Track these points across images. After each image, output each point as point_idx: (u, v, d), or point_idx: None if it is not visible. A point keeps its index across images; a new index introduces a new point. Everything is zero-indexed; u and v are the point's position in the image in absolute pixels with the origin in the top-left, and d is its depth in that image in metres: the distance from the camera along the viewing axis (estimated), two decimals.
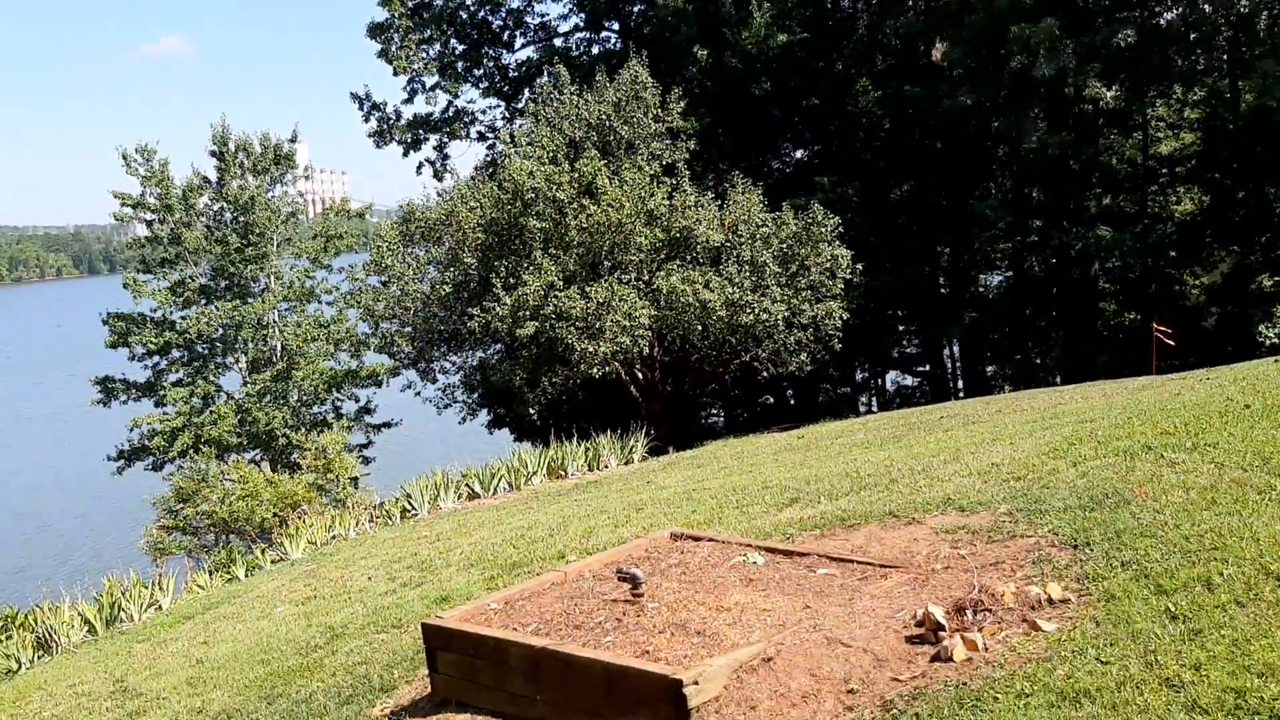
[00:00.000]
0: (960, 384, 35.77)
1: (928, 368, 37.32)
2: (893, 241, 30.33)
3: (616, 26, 36.38)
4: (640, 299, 22.81)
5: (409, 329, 25.60)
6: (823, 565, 6.84)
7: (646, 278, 23.83)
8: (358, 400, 34.08)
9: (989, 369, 34.52)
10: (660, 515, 10.76)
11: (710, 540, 7.59)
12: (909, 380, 39.44)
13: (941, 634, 5.44)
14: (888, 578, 6.45)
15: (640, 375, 25.69)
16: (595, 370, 22.65)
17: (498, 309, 22.33)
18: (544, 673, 5.90)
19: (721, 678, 5.36)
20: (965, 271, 33.46)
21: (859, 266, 24.67)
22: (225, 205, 32.25)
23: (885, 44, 31.75)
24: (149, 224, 32.22)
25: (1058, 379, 28.57)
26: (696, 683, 5.25)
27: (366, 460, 31.11)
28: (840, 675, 5.29)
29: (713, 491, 11.62)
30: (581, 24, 36.98)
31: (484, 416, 32.45)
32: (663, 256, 24.43)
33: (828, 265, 24.27)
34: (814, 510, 8.91)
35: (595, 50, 35.96)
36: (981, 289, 34.21)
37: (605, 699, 5.57)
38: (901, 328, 36.15)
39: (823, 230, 24.01)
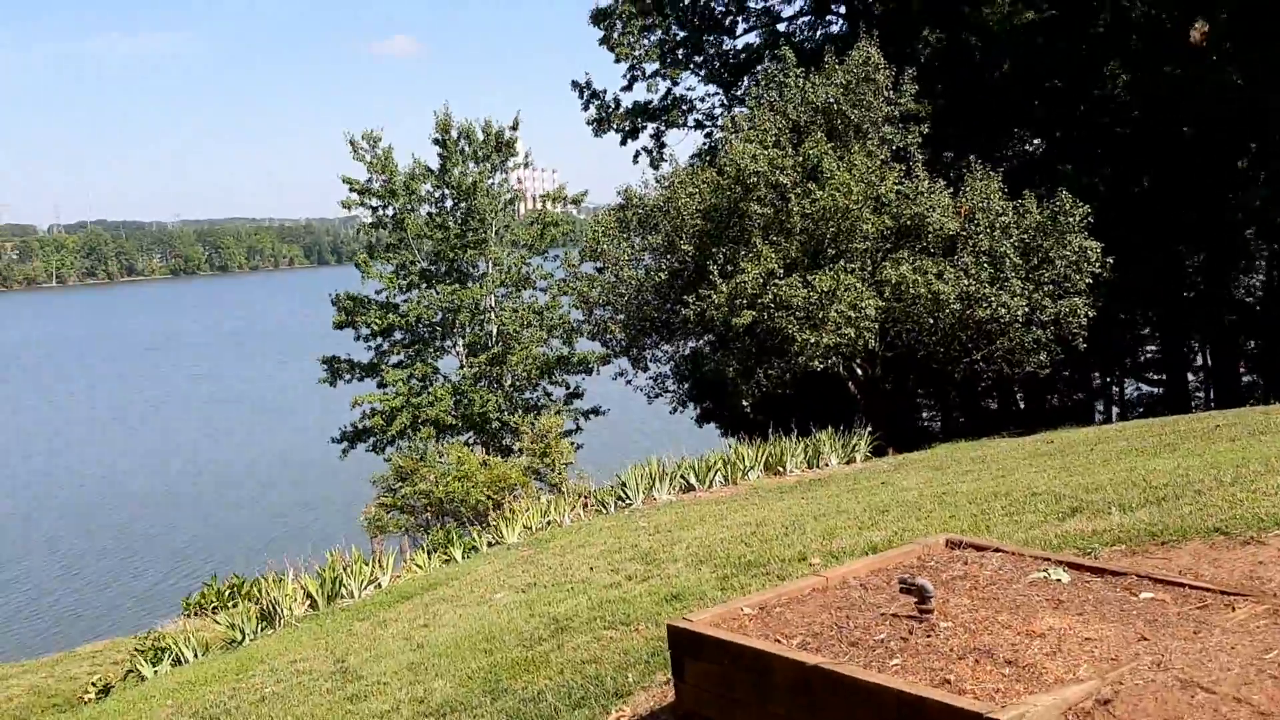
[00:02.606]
0: (1204, 395, 32.81)
1: (1164, 376, 34.42)
2: (1141, 236, 27.89)
3: (843, 9, 35.07)
4: (866, 289, 21.61)
5: (622, 316, 25.22)
6: (1145, 588, 5.68)
7: (871, 267, 22.59)
8: (568, 386, 34.11)
9: (1245, 379, 31.37)
10: (911, 520, 9.70)
11: (997, 550, 6.51)
12: (1144, 390, 36.48)
13: None
14: (1235, 609, 5.24)
15: (860, 371, 24.45)
16: (816, 363, 21.57)
17: (714, 297, 21.60)
18: (817, 695, 5.01)
19: None
20: (1221, 271, 30.51)
21: (1109, 260, 22.63)
22: (447, 192, 32.80)
23: (1138, 23, 29.23)
24: (374, 210, 33.13)
25: None
26: None
27: (576, 447, 31.00)
28: None
29: (967, 496, 10.45)
30: (806, 7, 35.84)
31: (693, 409, 31.85)
32: (889, 245, 23.13)
33: (1074, 258, 22.37)
34: (1105, 523, 7.68)
35: (820, 34, 34.77)
36: (1241, 291, 31.10)
37: None
38: (1145, 330, 33.42)
39: (1070, 220, 22.15)
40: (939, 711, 4.47)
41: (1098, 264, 22.46)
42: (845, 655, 5.19)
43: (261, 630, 12.99)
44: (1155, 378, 35.27)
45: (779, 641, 5.49)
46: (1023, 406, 33.32)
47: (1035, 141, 32.53)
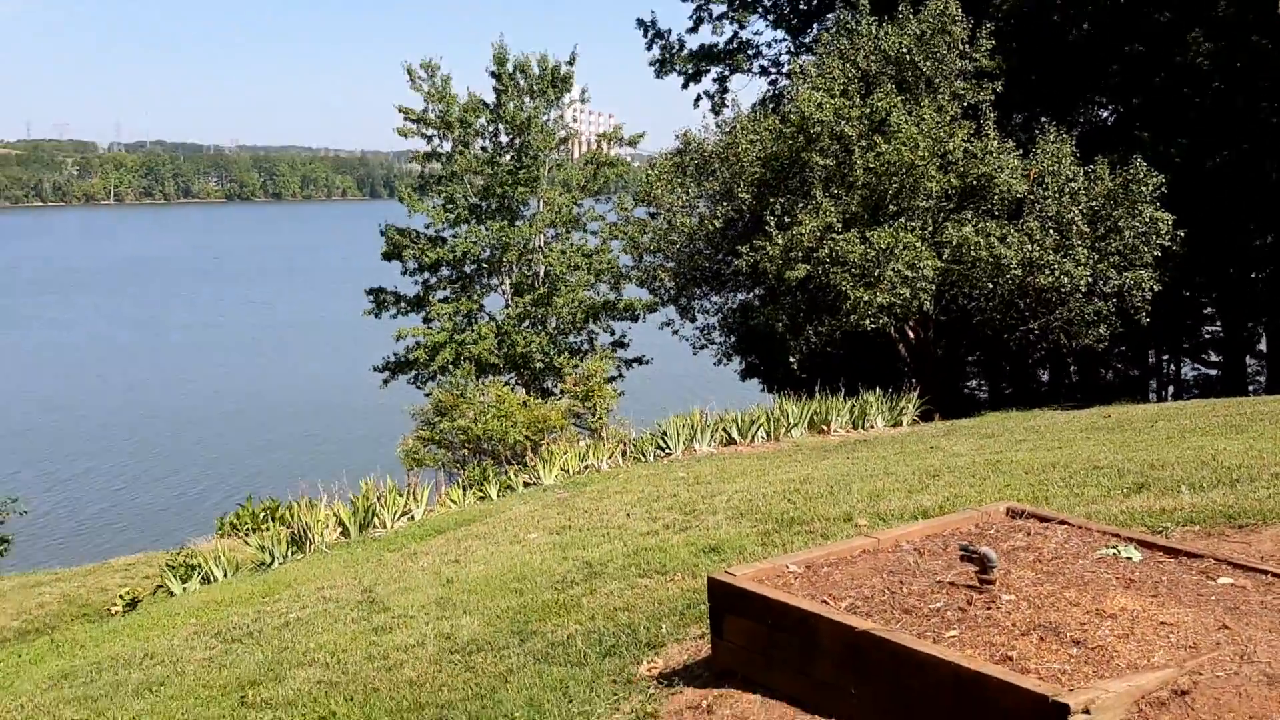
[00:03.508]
0: (1264, 380, 31.81)
1: (1222, 358, 33.43)
2: (1213, 211, 26.89)
3: None
4: (926, 249, 21.00)
5: (672, 264, 24.78)
6: (1223, 573, 5.28)
7: (933, 227, 21.95)
8: (613, 333, 33.77)
9: None
10: (964, 486, 9.31)
11: (1062, 523, 6.13)
12: (1199, 370, 35.45)
13: None
14: None
15: (911, 334, 23.88)
16: (868, 322, 21.04)
17: (769, 248, 21.08)
18: (866, 663, 4.68)
19: (1120, 709, 3.99)
20: None
21: (1180, 234, 21.82)
22: (502, 126, 32.36)
23: None
24: (429, 139, 32.75)
25: None
26: (1087, 711, 3.91)
27: (618, 394, 30.73)
28: None
29: (1023, 465, 10.03)
30: None
31: (737, 363, 31.40)
32: (953, 206, 22.45)
33: (1144, 229, 21.58)
34: (1175, 501, 7.26)
35: None
36: None
37: (949, 710, 4.30)
38: (1208, 310, 32.42)
39: (1143, 189, 21.35)
40: (1000, 690, 4.13)
41: (1168, 237, 21.67)
42: (898, 623, 4.86)
43: (292, 554, 12.89)
44: (1212, 359, 34.29)
45: (826, 603, 5.17)
46: (1075, 380, 32.53)
47: (1110, 108, 31.45)
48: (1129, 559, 5.50)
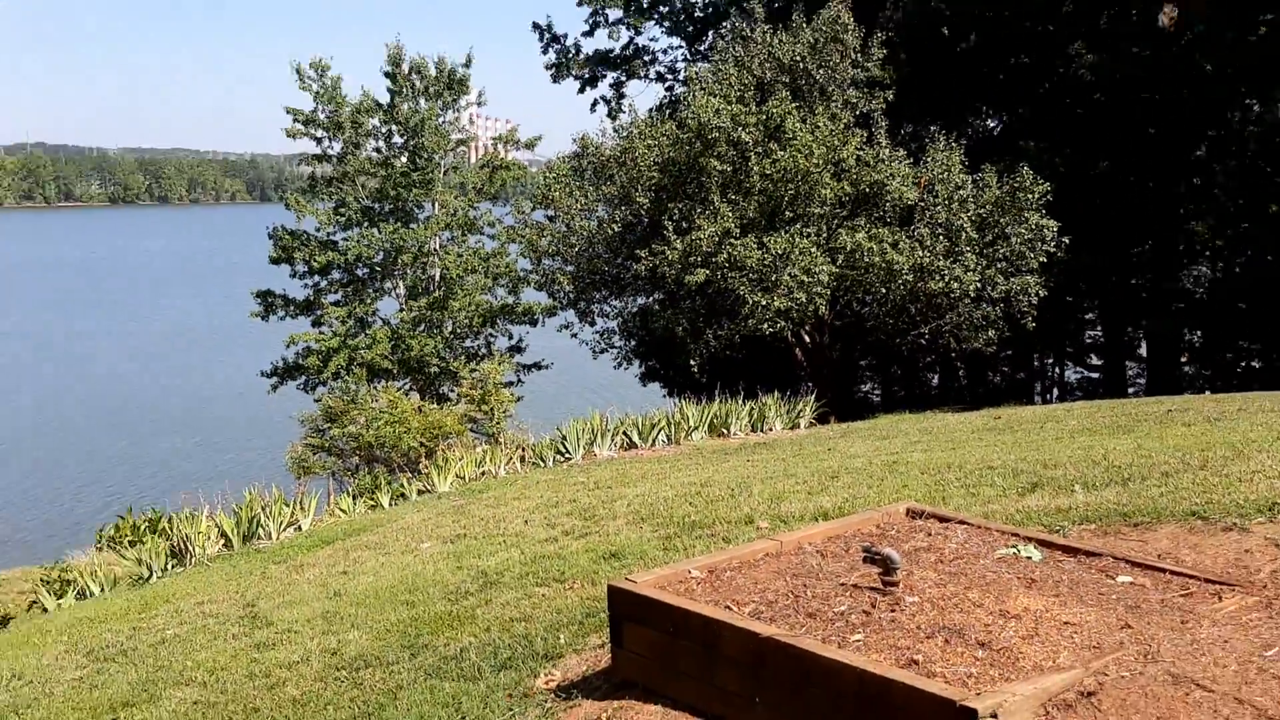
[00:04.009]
0: (1144, 383, 32.92)
1: (1103, 361, 34.55)
2: (1095, 219, 27.74)
3: None
4: (821, 254, 21.18)
5: (571, 267, 24.57)
6: (1122, 571, 5.28)
7: (827, 233, 22.16)
8: (510, 337, 33.37)
9: (1188, 369, 31.48)
10: (862, 487, 9.29)
11: (962, 523, 6.10)
12: (1082, 374, 36.56)
13: None
14: (1222, 598, 4.86)
15: (808, 338, 24.08)
16: (766, 326, 21.14)
17: (668, 253, 21.03)
18: (770, 670, 4.54)
19: (1027, 712, 3.91)
20: (1170, 260, 30.52)
21: (1065, 240, 22.43)
22: (395, 127, 31.74)
23: (1108, 3, 28.96)
24: (318, 141, 31.95)
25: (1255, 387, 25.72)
26: (995, 715, 3.82)
27: (516, 399, 30.36)
28: None
29: (919, 466, 10.07)
30: None
31: (637, 367, 31.34)
32: (846, 213, 22.71)
33: (1030, 236, 22.12)
34: (1069, 500, 7.31)
35: None
36: (1187, 282, 31.12)
37: (856, 716, 4.18)
38: (1090, 315, 33.45)
39: (1029, 197, 21.88)
40: (906, 695, 4.02)
41: (1053, 243, 22.27)
42: (802, 627, 4.73)
43: (171, 568, 12.32)
44: (1094, 362, 35.40)
45: (729, 609, 5.02)
46: (964, 383, 33.27)
47: (997, 118, 32.24)
48: (1029, 558, 5.48)
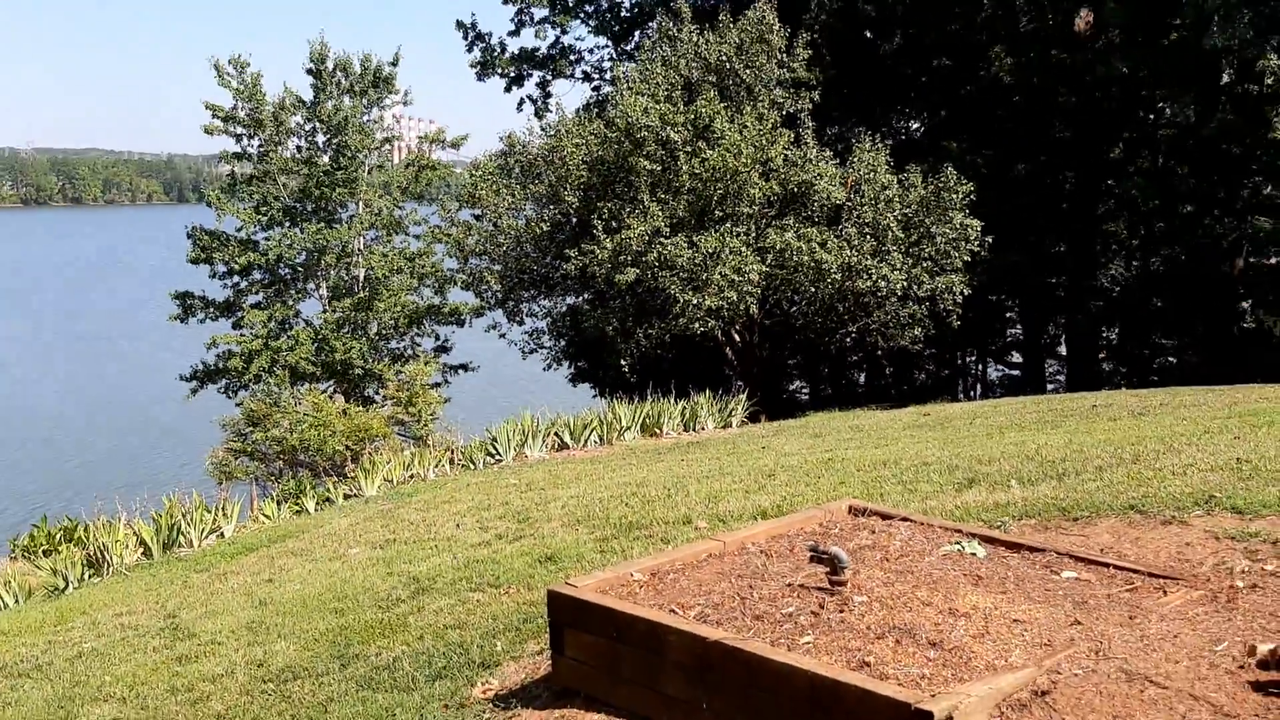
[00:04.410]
0: (1063, 380, 33.58)
1: (1021, 359, 35.20)
2: (1017, 219, 28.21)
3: None
4: (750, 254, 21.20)
5: (499, 267, 24.30)
6: (1066, 566, 5.27)
7: (756, 233, 22.19)
8: (437, 337, 32.92)
9: (1106, 366, 32.18)
10: (800, 485, 9.24)
11: (905, 520, 6.04)
12: (1003, 371, 37.19)
13: None
14: (1168, 592, 4.86)
15: (738, 337, 24.10)
16: (697, 325, 21.09)
17: (597, 252, 20.88)
18: (717, 675, 4.42)
19: (982, 713, 3.84)
20: (1087, 259, 31.17)
21: (989, 240, 22.74)
22: (319, 125, 31.13)
23: (1028, 8, 29.48)
24: (238, 139, 31.20)
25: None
26: (951, 718, 3.74)
27: (444, 400, 29.93)
28: None
29: (854, 464, 10.06)
30: None
31: (567, 368, 31.13)
32: (775, 212, 22.78)
33: (954, 235, 22.38)
34: (1007, 495, 7.32)
35: None
36: (1104, 280, 31.80)
37: None
38: (1010, 314, 34.03)
39: (954, 197, 22.13)
40: (858, 699, 3.93)
41: (977, 243, 22.55)
42: (750, 630, 4.62)
43: (88, 578, 11.84)
44: (1015, 360, 36.03)
45: (674, 612, 4.89)
46: (890, 381, 33.61)
47: (920, 119, 32.63)
48: (974, 555, 5.44)
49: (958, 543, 5.58)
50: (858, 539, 5.75)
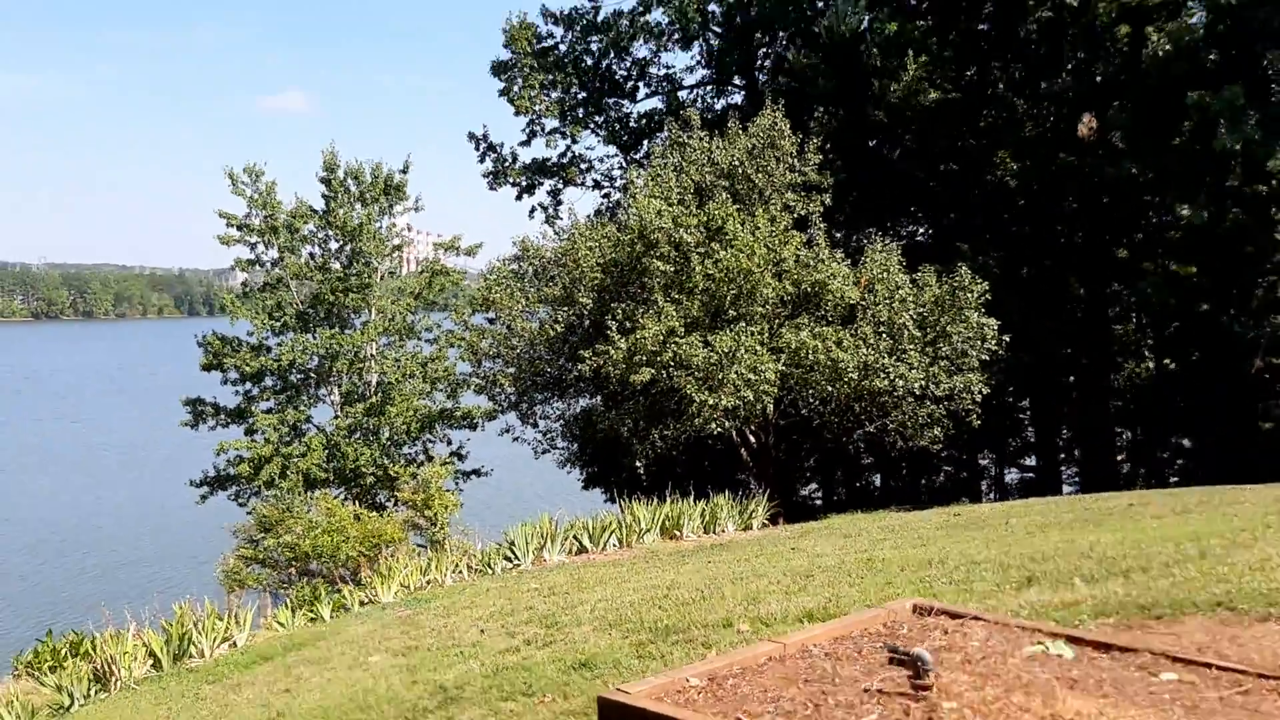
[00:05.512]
0: (1079, 481, 33.06)
1: (1035, 461, 34.69)
2: (1028, 319, 28.10)
3: (742, 81, 35.09)
4: (765, 352, 21.00)
5: (512, 369, 24.13)
6: (1164, 668, 4.86)
7: (769, 332, 22.03)
8: (450, 443, 32.56)
9: (1124, 467, 31.70)
10: (842, 585, 8.84)
11: (976, 619, 5.65)
12: (1019, 474, 36.60)
13: None
14: None
15: (753, 437, 23.76)
16: (714, 425, 20.79)
17: (612, 352, 20.71)
18: None
19: None
20: (1101, 359, 30.96)
21: (1005, 339, 22.57)
22: (331, 232, 31.31)
23: (1032, 113, 29.85)
24: (251, 247, 31.35)
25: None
26: None
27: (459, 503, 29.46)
28: None
29: (896, 563, 9.66)
30: (708, 77, 35.76)
31: (579, 473, 30.73)
32: (788, 312, 22.65)
33: (971, 334, 22.21)
34: (1073, 594, 6.93)
35: (722, 104, 34.70)
36: (1118, 380, 31.55)
37: None
38: (1023, 415, 33.67)
39: (969, 296, 22.03)
40: None
41: (994, 341, 22.37)
42: None
43: (95, 694, 11.34)
44: (1027, 463, 35.55)
45: None
46: (906, 483, 33.12)
47: (929, 223, 32.77)
48: (1060, 656, 5.04)
49: (1040, 643, 5.19)
50: (930, 639, 5.36)
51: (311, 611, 13.25)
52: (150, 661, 11.64)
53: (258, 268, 31.61)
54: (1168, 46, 25.70)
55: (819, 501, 34.71)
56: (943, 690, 4.51)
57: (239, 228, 31.27)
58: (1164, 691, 4.51)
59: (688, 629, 8.12)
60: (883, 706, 4.46)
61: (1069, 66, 28.59)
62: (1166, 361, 30.19)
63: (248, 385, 30.92)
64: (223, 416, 30.93)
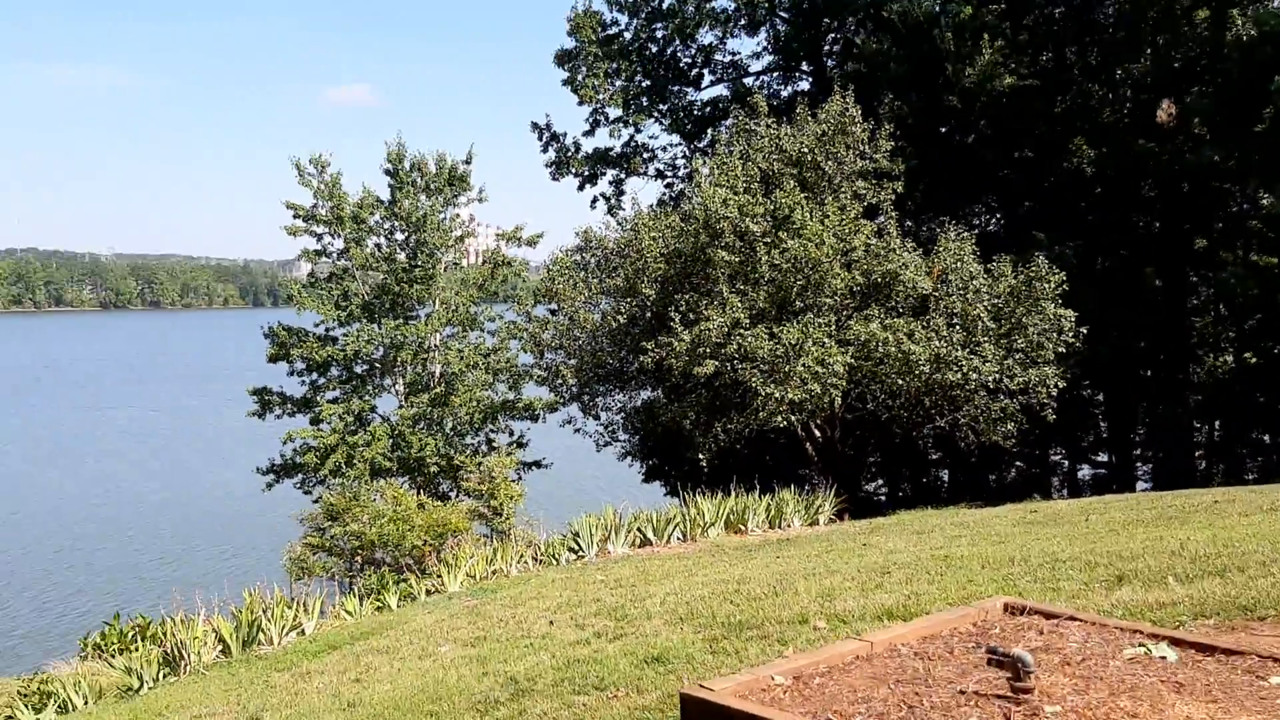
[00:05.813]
0: (1153, 478, 32.21)
1: (1107, 457, 33.80)
2: (1105, 311, 27.39)
3: (809, 67, 34.66)
4: (834, 345, 20.66)
5: (574, 361, 24.02)
6: (1273, 671, 4.60)
7: (837, 324, 21.67)
8: (511, 433, 32.63)
9: (1200, 464, 30.81)
10: (921, 583, 8.59)
11: (1072, 619, 5.41)
12: (1092, 470, 35.71)
13: None
14: None
15: (818, 432, 23.42)
16: (779, 419, 20.50)
17: (675, 344, 20.49)
18: None
19: None
20: (1180, 351, 30.11)
21: (1083, 330, 21.98)
22: (397, 223, 31.49)
23: (1109, 99, 29.08)
24: (318, 237, 31.63)
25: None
26: None
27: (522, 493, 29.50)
28: None
29: (976, 560, 9.38)
30: (775, 63, 35.37)
31: (639, 466, 30.61)
32: (856, 303, 22.26)
33: (1047, 326, 21.66)
34: (1167, 594, 6.64)
35: (789, 91, 34.32)
36: (1198, 373, 30.65)
37: None
38: (1098, 410, 32.85)
39: (1045, 287, 21.48)
40: None
41: (1070, 334, 21.80)
42: None
43: (164, 677, 11.43)
44: (1099, 458, 34.68)
45: None
46: (974, 480, 32.48)
47: (1003, 212, 32.10)
48: (1163, 658, 4.79)
49: (1141, 644, 4.94)
50: (1026, 640, 5.13)
51: (379, 600, 13.27)
52: (219, 647, 11.73)
53: (323, 259, 31.87)
54: (1251, 30, 24.87)
55: (883, 497, 34.21)
56: (1044, 693, 4.30)
57: (306, 218, 31.55)
58: (1276, 696, 4.26)
59: (762, 624, 7.94)
60: (981, 709, 4.26)
61: (1147, 51, 27.80)
62: (1247, 355, 29.26)
63: (314, 375, 31.22)
64: (289, 406, 31.27)
